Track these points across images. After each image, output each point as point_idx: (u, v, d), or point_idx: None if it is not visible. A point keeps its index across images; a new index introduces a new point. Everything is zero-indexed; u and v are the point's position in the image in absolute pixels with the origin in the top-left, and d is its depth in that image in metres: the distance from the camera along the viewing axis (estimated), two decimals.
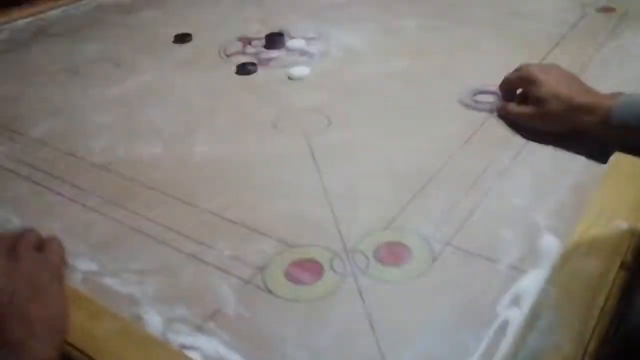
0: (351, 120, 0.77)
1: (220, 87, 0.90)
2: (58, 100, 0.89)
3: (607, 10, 1.02)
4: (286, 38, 1.03)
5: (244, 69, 0.93)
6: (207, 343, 0.45)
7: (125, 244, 0.57)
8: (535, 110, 0.68)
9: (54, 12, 1.28)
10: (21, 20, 1.23)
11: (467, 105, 0.78)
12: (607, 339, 0.43)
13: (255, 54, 1.00)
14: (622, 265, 0.48)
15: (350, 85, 0.87)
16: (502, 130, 0.72)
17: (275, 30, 1.06)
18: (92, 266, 0.54)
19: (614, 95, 0.64)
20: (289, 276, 0.52)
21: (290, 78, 0.90)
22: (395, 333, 0.45)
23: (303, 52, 0.99)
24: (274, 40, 1.02)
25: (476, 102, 0.78)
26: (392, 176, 0.65)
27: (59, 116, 0.84)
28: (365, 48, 0.99)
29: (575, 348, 0.41)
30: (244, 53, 1.01)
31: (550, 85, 0.67)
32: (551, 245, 0.53)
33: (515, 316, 0.46)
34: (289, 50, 1.00)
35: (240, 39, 1.06)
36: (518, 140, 0.69)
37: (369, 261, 0.53)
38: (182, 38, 1.08)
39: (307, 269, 0.53)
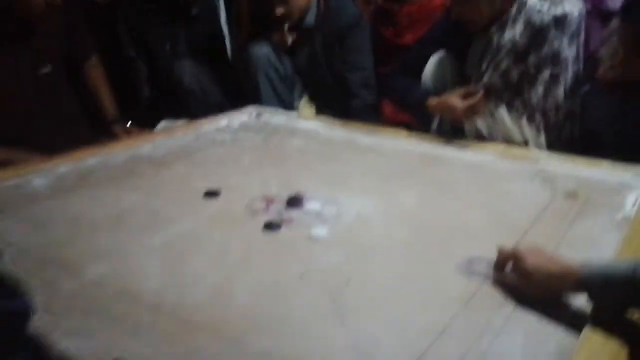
0: (367, 279, 0.91)
1: (251, 242, 1.04)
2: (106, 245, 1.02)
3: (571, 196, 1.22)
4: (305, 200, 1.20)
5: (270, 227, 1.09)
6: None
7: None
8: (522, 280, 0.84)
9: (93, 160, 1.44)
10: (63, 166, 1.39)
11: (465, 271, 0.93)
12: None
13: (278, 213, 1.16)
14: None
15: (364, 247, 1.02)
16: (496, 294, 0.87)
17: (293, 192, 1.23)
18: None
19: (584, 264, 0.79)
20: None
21: (310, 238, 1.05)
22: None
23: (319, 215, 1.15)
24: (294, 201, 1.19)
25: (472, 270, 0.93)
26: (409, 328, 0.78)
27: (109, 260, 0.96)
28: (373, 214, 1.16)
29: None
30: (267, 211, 1.17)
31: (533, 261, 0.83)
32: None
33: None
34: (307, 211, 1.17)
35: (263, 198, 1.22)
36: (511, 306, 0.84)
37: None
38: (212, 194, 1.24)
39: None
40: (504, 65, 1.55)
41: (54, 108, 1.71)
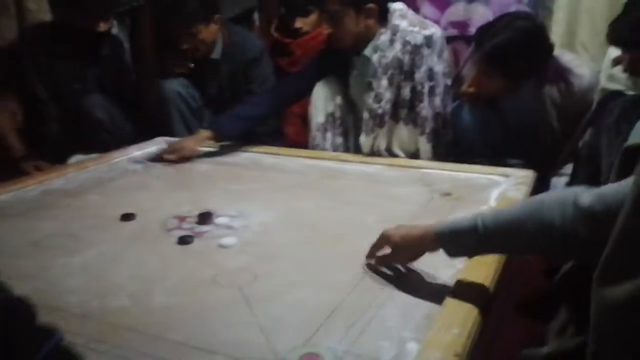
0: (271, 275, 1.05)
1: (166, 255, 1.15)
2: (27, 269, 1.09)
3: (446, 194, 1.42)
4: (214, 216, 1.32)
5: (183, 240, 1.20)
6: None
7: None
8: (393, 253, 1.01)
9: (6, 196, 1.49)
10: None
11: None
12: None
13: (190, 229, 1.27)
14: (455, 354, 0.77)
15: (268, 250, 1.16)
16: (380, 278, 1.03)
17: (204, 210, 1.35)
18: None
19: (437, 223, 0.97)
20: None
21: (221, 246, 1.18)
22: None
23: (228, 227, 1.28)
24: (204, 217, 1.31)
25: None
26: (307, 309, 0.92)
27: (32, 281, 1.04)
28: (276, 223, 1.30)
29: None
30: (180, 228, 1.28)
31: (399, 232, 1.00)
32: (412, 348, 0.81)
33: None
34: (217, 225, 1.29)
35: (176, 217, 1.33)
36: (392, 285, 1.00)
37: None
38: (127, 217, 1.34)
39: None
40: (395, 81, 1.75)
41: None
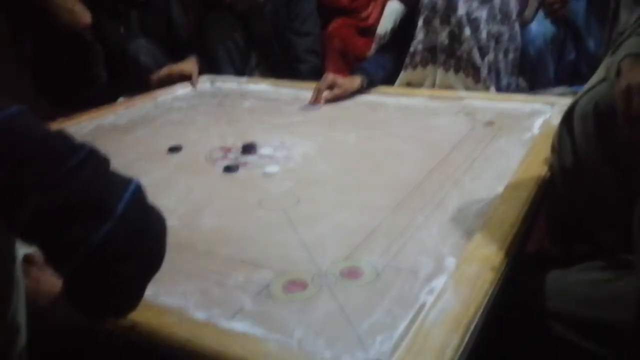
0: (313, 199, 1.08)
1: (212, 182, 1.20)
2: None
3: (489, 124, 1.41)
4: (258, 147, 1.36)
5: (228, 169, 1.24)
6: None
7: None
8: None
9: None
10: None
11: None
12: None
13: (235, 159, 1.31)
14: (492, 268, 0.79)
15: (310, 177, 1.19)
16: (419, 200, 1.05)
17: (248, 141, 1.38)
18: None
19: None
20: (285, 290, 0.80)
21: (264, 174, 1.22)
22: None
23: (271, 157, 1.31)
24: (248, 148, 1.35)
25: None
26: (348, 229, 0.95)
27: None
28: (317, 152, 1.33)
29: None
30: (225, 158, 1.32)
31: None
32: (451, 263, 0.84)
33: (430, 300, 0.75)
34: (261, 155, 1.32)
35: (221, 149, 1.38)
36: (430, 208, 1.02)
37: (336, 278, 0.82)
38: (174, 149, 1.39)
39: (297, 284, 0.81)
40: (430, 24, 1.72)
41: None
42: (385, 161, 1.25)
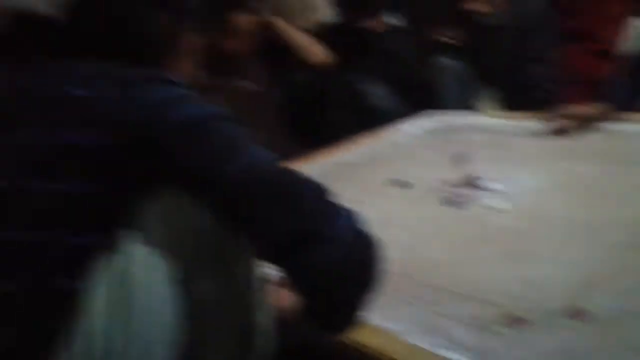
0: (541, 234, 1.04)
1: (436, 216, 1.22)
2: None
3: None
4: (484, 181, 1.34)
5: (452, 203, 1.26)
6: None
7: None
8: None
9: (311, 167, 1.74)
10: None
11: None
12: None
13: (460, 193, 1.31)
14: None
15: (539, 212, 1.14)
16: None
17: (475, 175, 1.37)
18: None
19: None
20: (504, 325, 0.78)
21: (490, 209, 1.20)
22: None
23: (499, 191, 1.29)
24: (474, 182, 1.34)
25: None
26: (576, 267, 0.89)
27: None
28: (550, 187, 1.26)
29: None
30: (450, 192, 1.33)
31: None
32: None
33: None
34: (487, 189, 1.31)
35: (446, 182, 1.39)
36: None
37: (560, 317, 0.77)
38: (400, 183, 1.45)
39: (518, 320, 0.78)
40: None
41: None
42: (628, 198, 1.14)
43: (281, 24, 1.99)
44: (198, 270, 0.65)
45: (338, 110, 2.42)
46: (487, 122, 1.89)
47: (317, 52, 2.05)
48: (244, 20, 1.84)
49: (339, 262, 0.62)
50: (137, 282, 0.61)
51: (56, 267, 0.61)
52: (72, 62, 0.69)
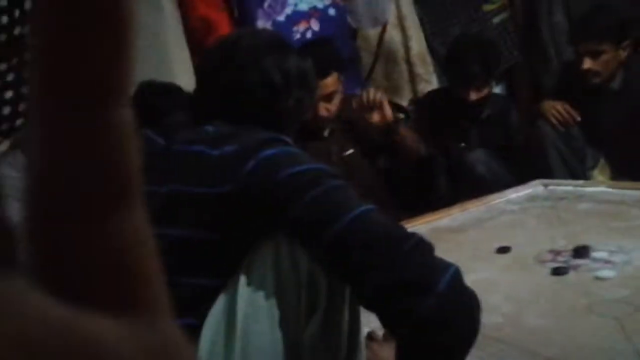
0: None
1: (540, 283, 1.19)
2: None
3: None
4: (592, 250, 1.30)
5: (557, 271, 1.22)
6: None
7: None
8: None
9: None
10: None
11: None
12: None
13: (565, 262, 1.28)
14: None
15: None
16: None
17: (581, 244, 1.34)
18: None
19: None
20: None
21: (597, 278, 1.16)
22: None
23: (607, 261, 1.24)
24: (580, 251, 1.30)
25: None
26: None
27: None
28: None
29: None
30: (555, 261, 1.30)
31: None
32: None
33: None
34: (595, 259, 1.26)
35: (551, 251, 1.36)
36: None
37: None
38: (503, 250, 1.43)
39: None
40: None
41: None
42: None
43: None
44: (304, 316, 0.70)
45: (443, 178, 2.44)
46: (595, 191, 1.84)
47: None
48: (330, 83, 1.92)
49: (439, 313, 0.65)
50: (241, 322, 0.67)
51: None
52: (208, 125, 0.79)
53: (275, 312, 0.68)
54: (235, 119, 0.79)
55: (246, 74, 0.79)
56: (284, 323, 0.69)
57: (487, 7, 2.77)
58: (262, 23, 2.33)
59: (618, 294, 1.07)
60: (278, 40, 0.88)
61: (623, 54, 2.01)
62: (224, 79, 0.81)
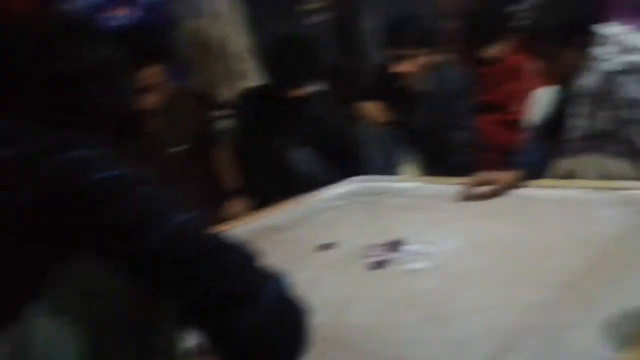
0: (460, 296, 1.07)
1: (359, 278, 1.23)
2: None
3: None
4: (405, 243, 1.37)
5: (375, 266, 1.27)
6: None
7: None
8: None
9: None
10: None
11: None
12: None
13: (382, 256, 1.34)
14: None
15: (457, 274, 1.17)
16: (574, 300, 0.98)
17: (395, 238, 1.41)
18: None
19: None
20: None
21: (410, 271, 1.22)
22: None
23: (419, 253, 1.32)
24: (395, 245, 1.37)
25: None
26: (495, 328, 0.92)
27: None
28: (466, 248, 1.31)
29: None
30: (372, 255, 1.35)
31: None
32: None
33: None
34: (408, 251, 1.34)
35: (368, 246, 1.41)
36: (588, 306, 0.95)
37: None
38: (326, 247, 1.46)
39: None
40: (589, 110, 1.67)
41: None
42: (539, 257, 1.20)
43: None
44: (112, 341, 0.62)
45: (264, 176, 2.43)
46: (409, 186, 1.96)
47: None
48: (151, 74, 1.81)
49: (263, 328, 0.61)
50: (37, 354, 0.57)
51: None
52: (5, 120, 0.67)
53: (79, 339, 0.60)
54: (28, 115, 0.68)
55: (35, 64, 0.69)
56: (92, 350, 0.60)
57: (309, 7, 2.83)
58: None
59: (429, 285, 1.14)
60: (79, 24, 0.78)
61: (434, 58, 2.18)
62: (10, 69, 0.69)
